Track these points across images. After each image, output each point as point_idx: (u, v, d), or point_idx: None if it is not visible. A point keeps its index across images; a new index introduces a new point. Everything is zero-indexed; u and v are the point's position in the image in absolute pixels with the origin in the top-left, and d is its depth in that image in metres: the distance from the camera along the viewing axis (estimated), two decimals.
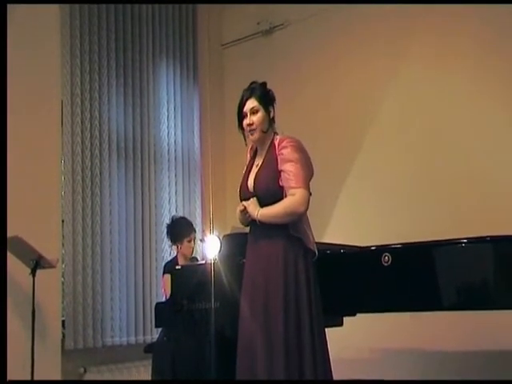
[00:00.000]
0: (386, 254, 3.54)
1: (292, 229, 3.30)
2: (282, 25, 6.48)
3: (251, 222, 3.42)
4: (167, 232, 5.22)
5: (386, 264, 3.53)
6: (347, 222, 5.79)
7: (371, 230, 5.44)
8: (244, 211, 3.39)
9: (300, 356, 3.20)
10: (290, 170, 3.28)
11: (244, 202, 3.40)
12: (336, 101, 6.07)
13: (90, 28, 5.63)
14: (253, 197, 3.38)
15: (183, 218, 5.35)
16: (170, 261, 5.18)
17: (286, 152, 3.32)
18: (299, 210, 3.27)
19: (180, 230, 5.12)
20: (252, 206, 3.35)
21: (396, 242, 3.66)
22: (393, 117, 5.69)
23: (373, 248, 3.72)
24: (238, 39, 6.78)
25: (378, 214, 5.60)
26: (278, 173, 3.32)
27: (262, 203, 3.34)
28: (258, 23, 6.59)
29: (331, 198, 5.83)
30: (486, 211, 4.98)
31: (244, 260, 3.48)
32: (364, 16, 5.79)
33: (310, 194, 3.30)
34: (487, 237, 3.35)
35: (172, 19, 6.42)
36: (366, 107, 5.86)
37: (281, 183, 3.31)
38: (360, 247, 3.92)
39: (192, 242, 5.12)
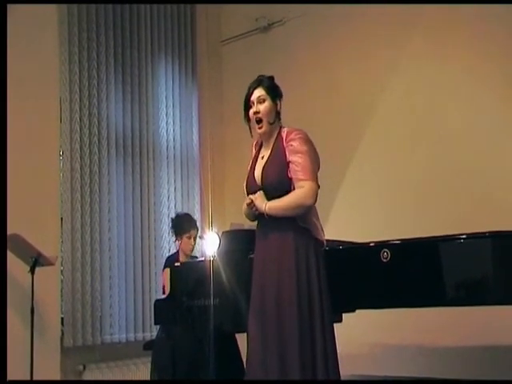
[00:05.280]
0: (385, 250, 3.53)
1: (300, 220, 3.29)
2: (280, 21, 6.48)
3: (258, 216, 3.41)
4: (171, 226, 5.16)
5: (385, 260, 3.52)
6: (346, 218, 5.77)
7: (370, 225, 5.43)
8: (251, 205, 3.37)
9: (312, 347, 3.21)
10: (298, 162, 3.28)
11: (251, 196, 3.38)
12: (335, 96, 6.06)
13: (88, 25, 5.62)
14: (260, 189, 3.37)
15: (187, 215, 5.30)
16: (171, 255, 5.17)
17: (295, 144, 3.32)
18: (307, 203, 3.27)
19: (181, 224, 5.07)
20: (259, 199, 3.34)
21: (395, 238, 3.66)
22: (393, 110, 5.68)
23: (372, 244, 3.71)
24: (237, 35, 6.78)
25: (377, 210, 5.59)
26: (287, 164, 3.32)
27: (270, 195, 3.33)
28: (257, 19, 6.59)
29: (330, 193, 5.79)
30: (489, 208, 4.97)
31: (251, 255, 3.48)
32: (362, 10, 5.77)
33: (319, 186, 3.30)
34: (486, 232, 3.35)
35: (170, 15, 6.41)
36: (365, 101, 5.85)
37: (289, 175, 3.30)
38: (359, 243, 3.91)
39: (192, 240, 5.04)
